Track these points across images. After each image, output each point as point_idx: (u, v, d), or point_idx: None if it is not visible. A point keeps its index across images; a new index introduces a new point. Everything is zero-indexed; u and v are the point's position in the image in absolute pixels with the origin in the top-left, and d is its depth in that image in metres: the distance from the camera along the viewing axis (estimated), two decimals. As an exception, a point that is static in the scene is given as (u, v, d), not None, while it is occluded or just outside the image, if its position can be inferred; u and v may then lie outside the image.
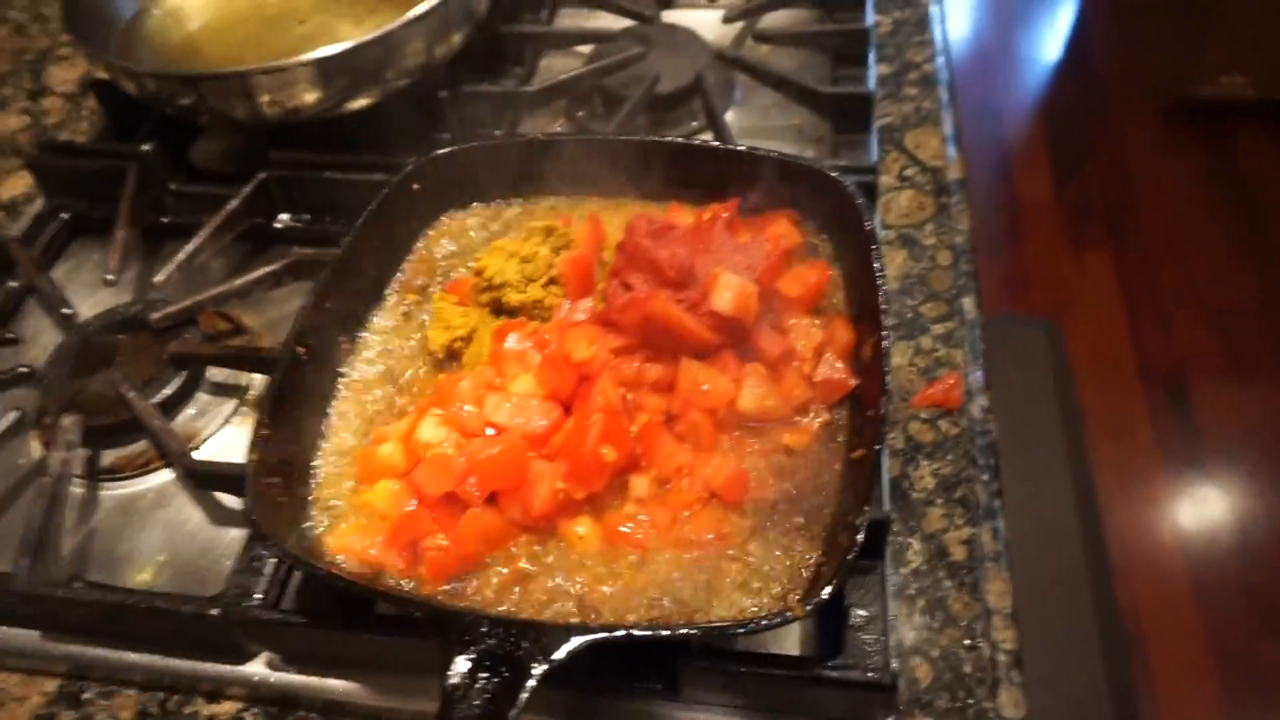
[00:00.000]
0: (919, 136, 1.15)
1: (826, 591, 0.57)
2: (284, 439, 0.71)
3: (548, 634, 0.55)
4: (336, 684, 0.72)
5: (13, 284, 1.02)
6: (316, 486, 0.72)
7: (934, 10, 1.31)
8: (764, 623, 0.57)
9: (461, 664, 0.55)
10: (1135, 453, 2.49)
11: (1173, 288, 2.79)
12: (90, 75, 1.33)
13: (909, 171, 1.11)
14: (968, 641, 0.75)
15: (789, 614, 0.56)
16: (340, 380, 0.78)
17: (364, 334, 0.81)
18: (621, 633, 0.55)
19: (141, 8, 1.20)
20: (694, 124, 1.12)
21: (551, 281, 0.78)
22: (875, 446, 0.63)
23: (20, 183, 1.20)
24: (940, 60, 1.22)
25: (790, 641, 0.73)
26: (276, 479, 0.68)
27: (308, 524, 0.70)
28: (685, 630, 0.55)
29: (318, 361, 0.76)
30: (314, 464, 0.73)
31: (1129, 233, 2.95)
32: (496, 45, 1.19)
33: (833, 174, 0.79)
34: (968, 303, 1.00)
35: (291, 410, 0.73)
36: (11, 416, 0.84)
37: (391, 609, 0.70)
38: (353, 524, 0.68)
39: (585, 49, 1.21)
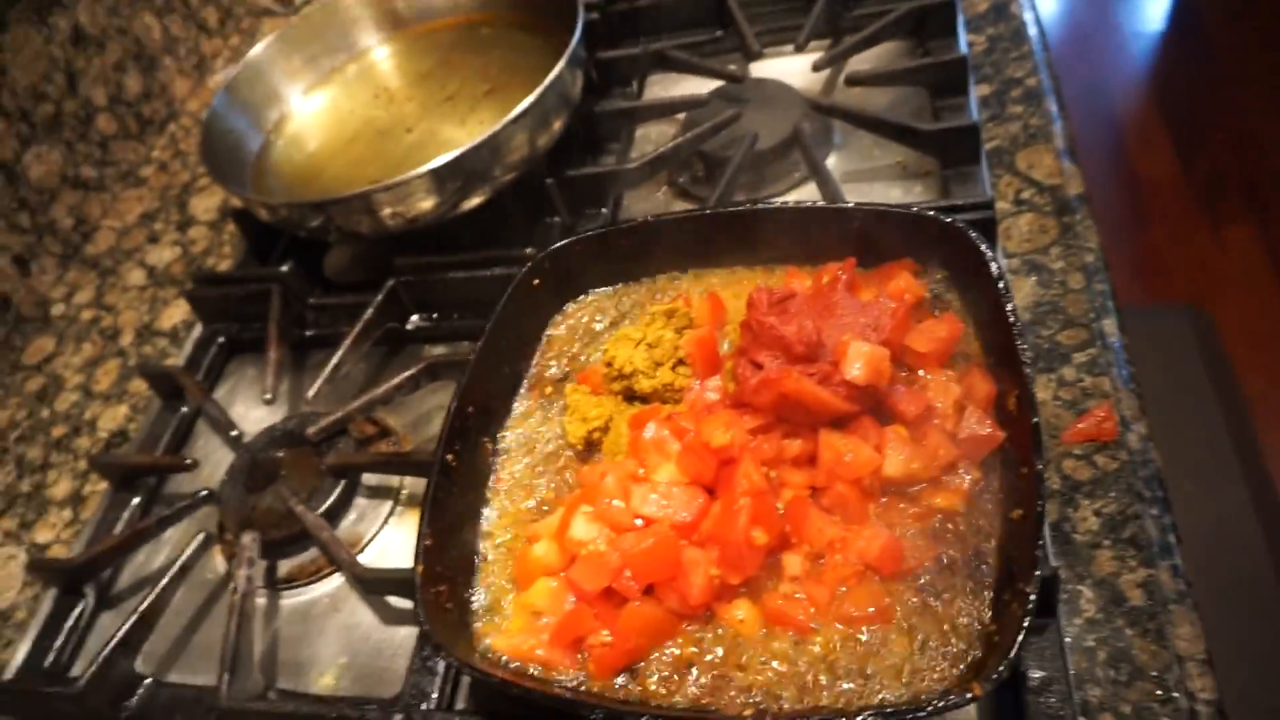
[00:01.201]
0: (1031, 156, 1.11)
1: (1004, 667, 0.55)
2: (444, 546, 0.74)
3: (725, 731, 0.55)
4: (515, 780, 0.74)
5: (184, 409, 1.12)
6: (479, 589, 0.75)
7: (1028, 17, 1.27)
8: (944, 703, 0.55)
9: (641, 766, 0.55)
10: (1311, 439, 2.30)
11: (1331, 255, 2.57)
12: (228, 203, 1.45)
13: (1026, 194, 1.07)
14: (1160, 693, 0.70)
15: (970, 694, 0.55)
16: (488, 482, 0.81)
17: (504, 433, 0.85)
18: (801, 726, 0.55)
19: (266, 140, 1.30)
20: (797, 175, 1.12)
21: (679, 363, 0.79)
22: (1037, 505, 0.60)
23: (179, 311, 1.31)
24: (1044, 73, 1.18)
25: (964, 713, 0.71)
26: (443, 587, 0.72)
27: (474, 626, 0.72)
28: (870, 716, 0.54)
29: (465, 465, 0.80)
30: (474, 567, 0.76)
31: (1272, 202, 2.74)
32: (592, 125, 1.23)
33: (950, 221, 0.77)
34: (1108, 325, 0.96)
35: (448, 517, 0.76)
36: (200, 538, 0.92)
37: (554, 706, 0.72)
38: (516, 623, 0.70)
39: (680, 115, 1.23)
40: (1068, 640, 0.72)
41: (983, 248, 0.75)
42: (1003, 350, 0.72)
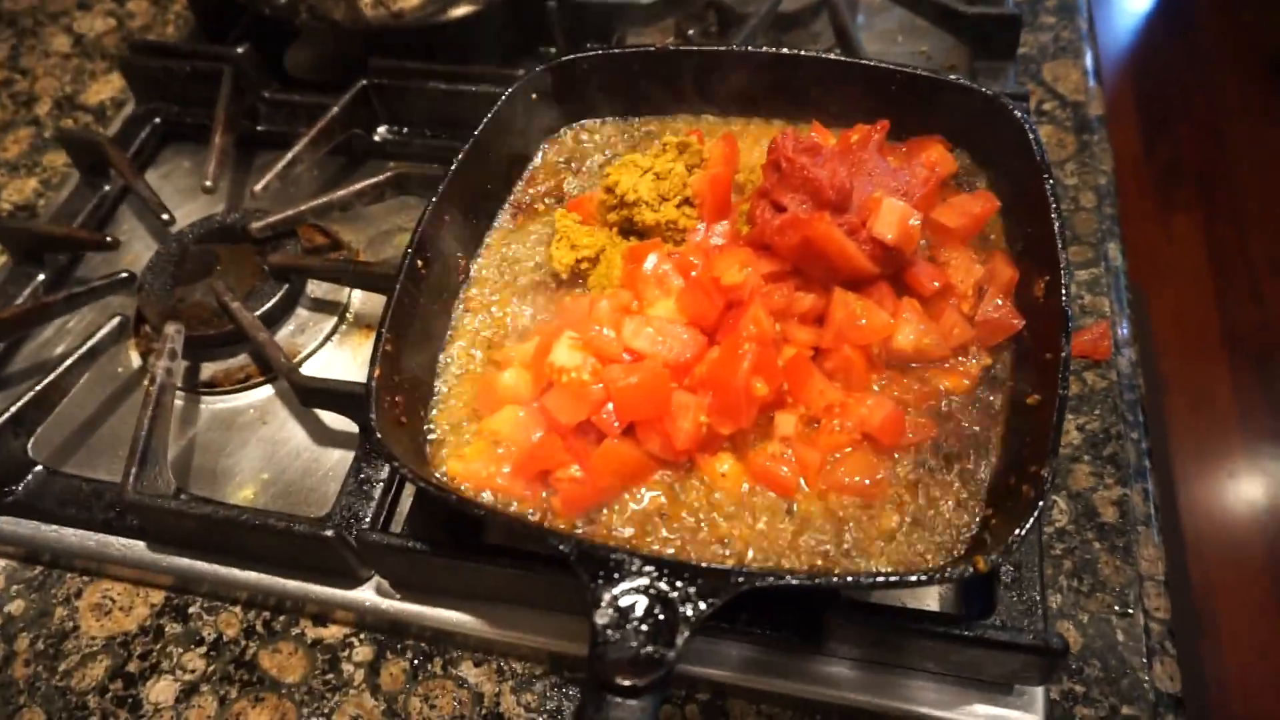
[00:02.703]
0: (1058, 69, 1.06)
1: (1015, 540, 0.52)
2: (403, 357, 0.67)
3: (707, 576, 0.51)
4: (448, 614, 0.69)
5: (107, 187, 0.99)
6: (436, 408, 0.68)
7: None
8: (944, 574, 0.52)
9: (610, 601, 0.51)
10: (1215, 425, 2.40)
11: (1267, 256, 2.65)
12: (177, -24, 1.28)
13: (1048, 106, 1.02)
14: (1118, 608, 0.69)
15: (973, 567, 0.51)
16: (457, 298, 0.74)
17: (480, 251, 0.77)
18: (790, 581, 0.51)
19: (234, -97, 1.14)
20: (817, 45, 1.04)
21: (685, 201, 0.72)
22: (1060, 390, 0.57)
23: (109, 86, 1.16)
24: (1083, -15, 1.12)
25: (928, 597, 0.68)
26: (398, 398, 0.65)
27: (427, 447, 0.66)
28: (856, 579, 0.51)
29: (434, 277, 0.72)
30: (433, 388, 0.69)
31: (1221, 197, 2.80)
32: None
33: (1001, 98, 0.72)
34: (1112, 248, 0.93)
35: (410, 327, 0.68)
36: (114, 322, 0.81)
37: (501, 539, 0.67)
38: (475, 449, 0.64)
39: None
40: (1035, 545, 0.70)
41: (1027, 125, 0.70)
42: (1034, 234, 0.68)
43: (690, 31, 1.08)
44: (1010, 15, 0.94)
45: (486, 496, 0.62)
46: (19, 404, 0.76)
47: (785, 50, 0.79)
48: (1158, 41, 3.26)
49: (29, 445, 0.79)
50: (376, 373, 0.62)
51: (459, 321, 0.73)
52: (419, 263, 0.70)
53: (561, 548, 0.53)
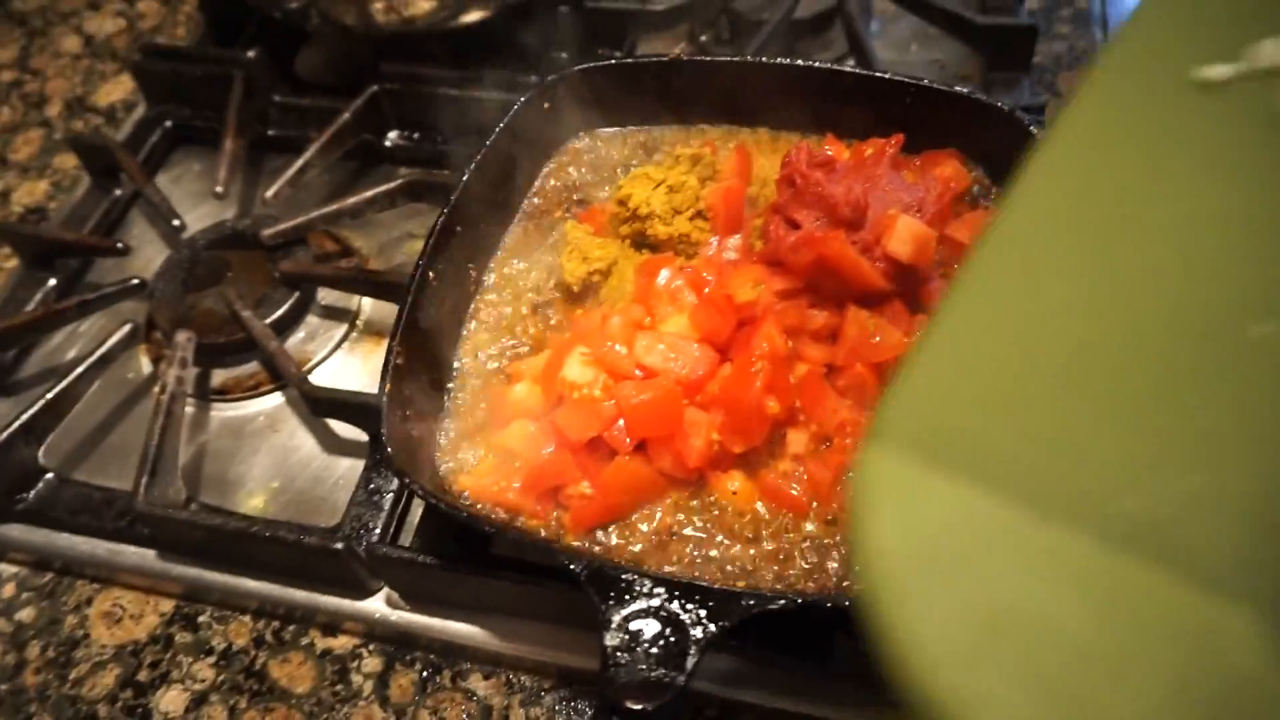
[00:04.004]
0: (1074, 80, 1.05)
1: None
2: (414, 369, 0.67)
3: (718, 599, 0.51)
4: (457, 626, 0.69)
5: (119, 191, 0.99)
6: (448, 421, 0.68)
7: (1086, -62, 1.20)
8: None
9: (621, 623, 0.51)
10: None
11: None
12: (188, -23, 1.28)
13: (1062, 115, 1.02)
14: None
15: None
16: (468, 310, 0.74)
17: (491, 263, 0.77)
18: (800, 602, 0.50)
19: (245, -95, 1.13)
20: (829, 53, 1.04)
21: (698, 214, 0.72)
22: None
23: (120, 88, 1.16)
24: (1098, -4, 1.11)
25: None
26: (409, 412, 0.65)
27: (439, 461, 0.66)
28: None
29: (447, 288, 0.72)
30: (444, 400, 0.69)
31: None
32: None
33: (1017, 112, 0.71)
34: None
35: (422, 339, 0.68)
36: (125, 329, 0.82)
37: (511, 552, 0.67)
38: (487, 464, 0.64)
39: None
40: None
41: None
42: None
43: (703, 38, 1.07)
44: (1025, 26, 0.93)
45: (498, 511, 0.62)
46: (30, 412, 0.76)
47: (800, 62, 0.79)
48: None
49: (40, 452, 0.79)
50: (388, 387, 0.62)
51: (470, 333, 0.73)
52: (430, 274, 0.69)
53: (572, 567, 0.53)
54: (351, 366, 0.85)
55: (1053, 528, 0.33)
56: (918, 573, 0.33)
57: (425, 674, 0.70)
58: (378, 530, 0.70)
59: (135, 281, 0.85)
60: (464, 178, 0.74)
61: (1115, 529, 0.33)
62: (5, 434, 0.74)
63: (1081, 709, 0.29)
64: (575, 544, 0.60)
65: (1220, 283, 0.37)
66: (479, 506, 0.63)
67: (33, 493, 0.77)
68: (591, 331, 0.65)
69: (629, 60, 0.80)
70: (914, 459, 0.36)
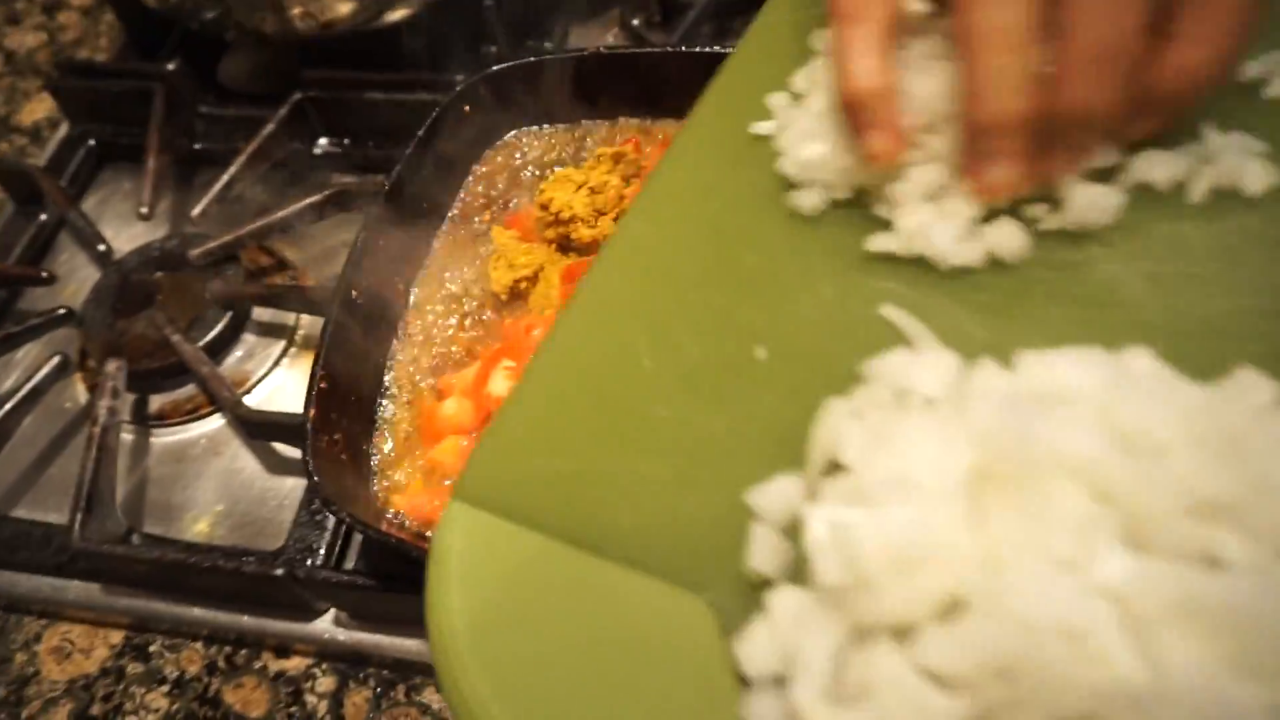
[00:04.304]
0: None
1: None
2: (342, 391, 0.66)
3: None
4: (407, 643, 0.69)
5: (43, 217, 0.97)
6: (378, 443, 0.67)
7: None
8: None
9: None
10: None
11: None
12: (106, -14, 1.25)
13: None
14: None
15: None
16: (397, 324, 0.73)
17: (419, 274, 0.76)
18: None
19: (156, -91, 1.10)
20: (761, 32, 1.03)
21: (623, 214, 0.71)
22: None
23: (42, 106, 1.14)
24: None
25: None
26: (337, 435, 0.64)
27: (373, 482, 0.65)
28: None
29: (372, 304, 0.71)
30: (375, 417, 0.68)
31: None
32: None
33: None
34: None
35: (348, 359, 0.68)
36: (55, 361, 0.80)
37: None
38: (419, 483, 0.64)
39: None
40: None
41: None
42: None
43: (635, 22, 1.06)
44: None
45: (433, 528, 0.62)
46: (-39, 453, 0.75)
47: (717, 48, 0.77)
48: None
49: (-25, 492, 0.78)
50: (312, 413, 0.62)
51: (400, 348, 0.72)
52: (354, 292, 0.69)
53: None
54: (292, 381, 0.85)
55: (578, 557, 0.40)
56: (476, 626, 0.39)
57: (379, 690, 0.71)
58: (322, 551, 0.70)
59: (62, 311, 0.84)
60: (383, 189, 0.73)
61: (617, 550, 0.40)
62: (-63, 477, 0.73)
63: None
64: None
65: (734, 319, 0.46)
66: (413, 525, 0.63)
67: (-29, 533, 0.77)
68: (516, 343, 0.65)
69: (545, 58, 0.78)
70: (485, 510, 0.43)
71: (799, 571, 0.36)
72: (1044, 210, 0.43)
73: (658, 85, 0.80)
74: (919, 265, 0.43)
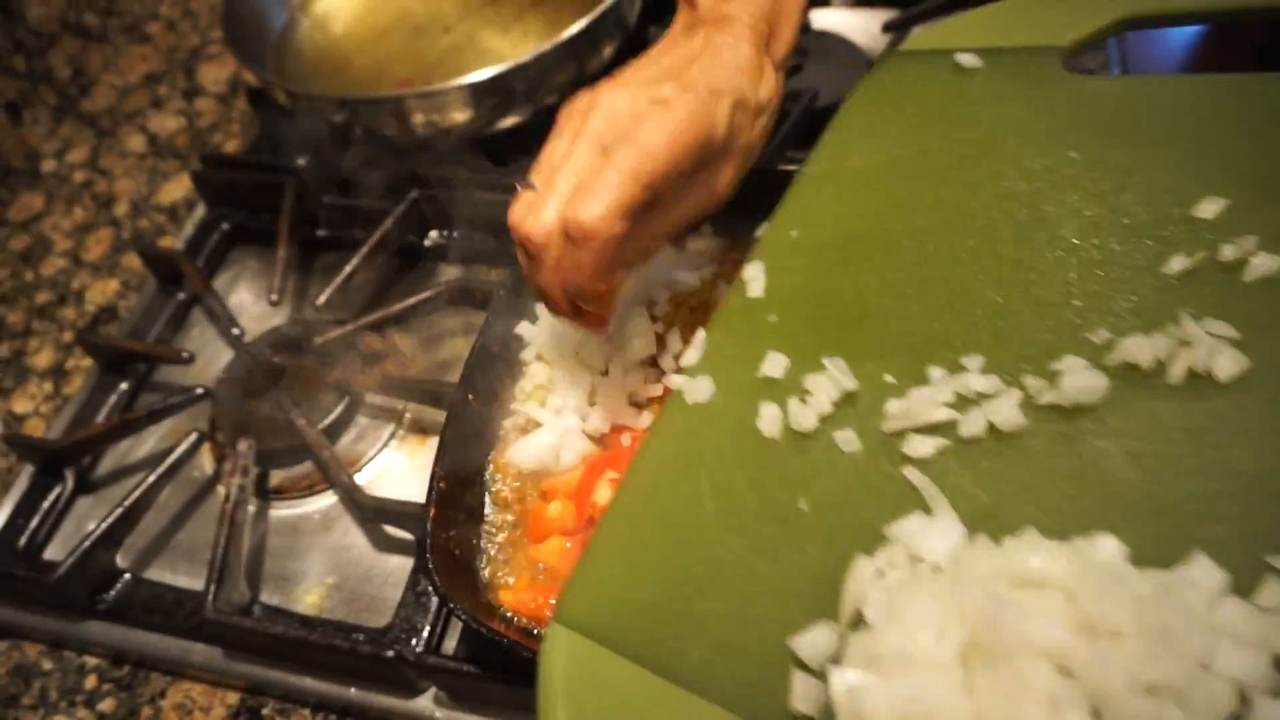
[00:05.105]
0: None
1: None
2: (456, 490, 0.72)
3: None
4: (501, 725, 0.73)
5: (181, 295, 1.07)
6: (488, 537, 0.73)
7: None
8: None
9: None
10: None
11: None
12: (240, 76, 1.36)
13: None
14: None
15: None
16: (505, 422, 0.79)
17: (526, 371, 0.82)
18: None
19: (291, 17, 1.21)
20: (848, 141, 1.07)
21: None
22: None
23: (179, 187, 1.24)
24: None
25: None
26: (452, 532, 0.70)
27: (480, 576, 0.71)
28: None
29: (484, 406, 0.77)
30: (483, 515, 0.74)
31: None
32: (641, 51, 1.16)
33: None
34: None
35: (462, 459, 0.74)
36: (192, 438, 0.88)
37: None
38: (525, 580, 0.69)
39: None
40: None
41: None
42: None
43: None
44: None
45: (537, 625, 0.67)
46: (109, 520, 0.83)
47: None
48: (1208, 63, 3.19)
49: (117, 556, 0.86)
50: (433, 512, 0.68)
51: (505, 446, 0.78)
52: (469, 396, 0.75)
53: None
54: (399, 463, 0.91)
55: (660, 684, 0.47)
56: None
57: (471, 768, 0.75)
58: (425, 633, 0.76)
59: (200, 391, 0.92)
60: (495, 295, 0.79)
61: (690, 680, 0.47)
62: (89, 541, 0.81)
63: None
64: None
65: (784, 471, 0.54)
66: (520, 621, 0.67)
67: (112, 593, 0.84)
68: (619, 455, 0.70)
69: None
70: (581, 634, 0.50)
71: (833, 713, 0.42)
72: (1042, 386, 0.49)
73: (757, 197, 0.84)
74: (937, 432, 0.51)
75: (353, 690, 0.77)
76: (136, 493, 0.84)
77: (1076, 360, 0.49)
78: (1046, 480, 0.47)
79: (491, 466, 0.76)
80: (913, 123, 0.69)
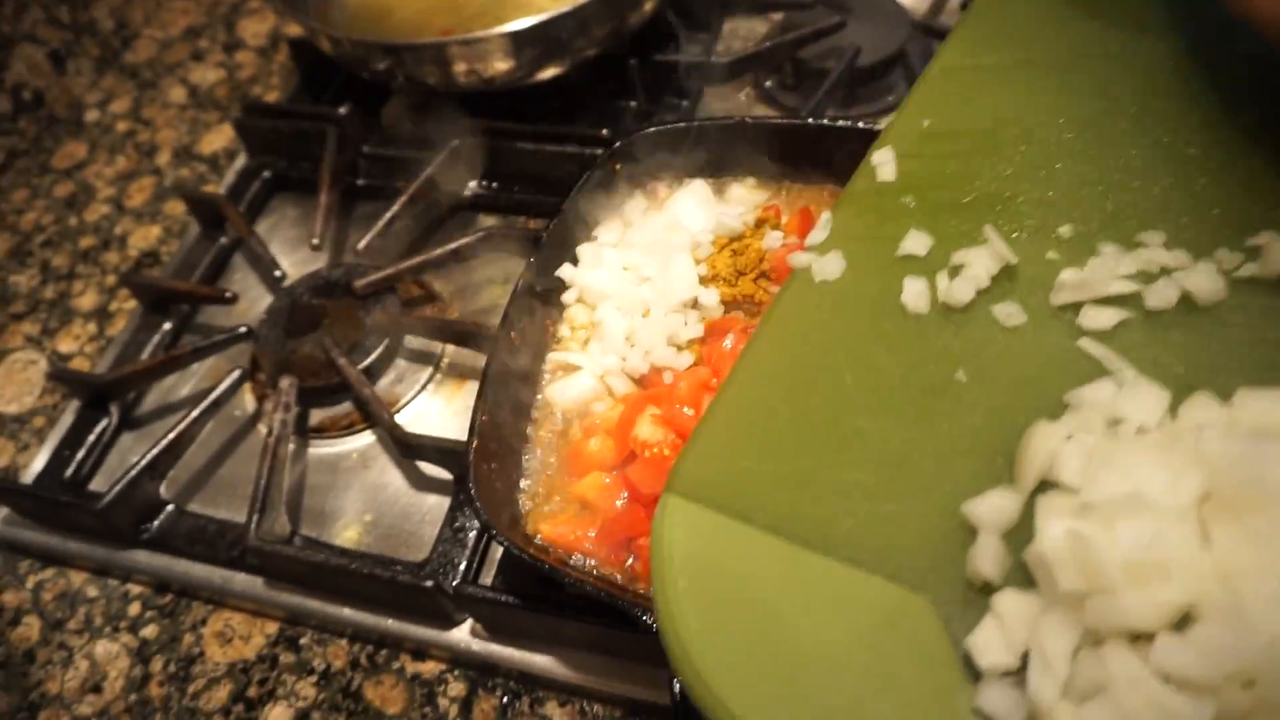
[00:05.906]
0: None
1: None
2: (497, 423, 0.73)
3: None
4: (535, 658, 0.74)
5: (223, 240, 1.08)
6: (528, 471, 0.74)
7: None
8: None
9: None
10: None
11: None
12: (280, 30, 1.37)
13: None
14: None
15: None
16: (546, 361, 0.79)
17: (567, 314, 0.82)
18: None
19: (335, -32, 1.21)
20: (890, 98, 1.07)
21: (762, 275, 0.76)
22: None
23: (222, 136, 1.26)
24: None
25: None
26: (493, 464, 0.70)
27: (521, 509, 0.71)
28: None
29: (526, 344, 0.78)
30: (522, 449, 0.74)
31: None
32: (682, 8, 1.16)
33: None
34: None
35: (503, 394, 0.74)
36: (235, 375, 0.90)
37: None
38: (565, 513, 0.70)
39: (775, 15, 1.17)
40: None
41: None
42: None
43: (768, 84, 1.12)
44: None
45: (574, 556, 0.68)
46: (154, 452, 0.84)
47: (862, 125, 0.82)
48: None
49: (161, 487, 0.88)
50: (475, 443, 0.68)
51: (548, 383, 0.78)
52: (511, 334, 0.75)
53: (645, 619, 0.58)
54: (436, 406, 0.92)
55: (800, 552, 0.45)
56: (704, 609, 0.44)
57: (505, 700, 0.76)
58: (462, 565, 0.77)
59: (243, 330, 0.93)
60: (541, 237, 0.80)
61: (839, 549, 0.45)
62: (135, 472, 0.83)
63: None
64: (646, 592, 0.65)
65: (932, 345, 0.52)
66: (557, 551, 0.68)
67: (155, 523, 0.86)
68: (661, 393, 0.70)
69: (695, 124, 0.84)
70: (700, 505, 0.48)
71: (1017, 576, 0.40)
72: (1239, 259, 0.47)
73: (798, 152, 0.84)
74: (1116, 304, 0.49)
75: (390, 621, 0.78)
76: (180, 425, 0.86)
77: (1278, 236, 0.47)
78: (1249, 350, 0.45)
79: (532, 405, 0.77)
80: (1045, 20, 0.66)
